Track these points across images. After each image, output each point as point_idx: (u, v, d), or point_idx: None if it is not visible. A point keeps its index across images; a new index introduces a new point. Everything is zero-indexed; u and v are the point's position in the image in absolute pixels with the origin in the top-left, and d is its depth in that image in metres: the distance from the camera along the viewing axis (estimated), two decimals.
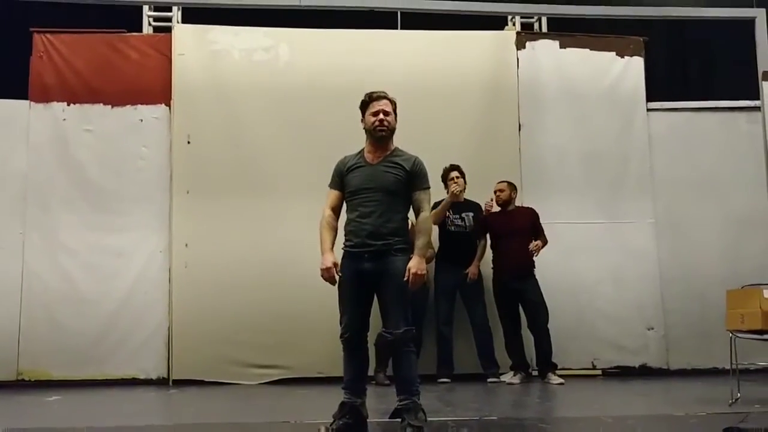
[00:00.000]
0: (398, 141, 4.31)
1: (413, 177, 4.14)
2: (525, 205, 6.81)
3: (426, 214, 4.15)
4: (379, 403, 4.89)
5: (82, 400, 5.82)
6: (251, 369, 6.55)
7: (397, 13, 7.16)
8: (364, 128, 4.25)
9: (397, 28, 7.26)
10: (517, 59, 7.20)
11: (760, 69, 6.53)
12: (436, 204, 6.24)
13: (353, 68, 6.85)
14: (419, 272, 4.00)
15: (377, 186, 4.12)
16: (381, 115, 4.16)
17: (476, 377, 6.56)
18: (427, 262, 6.40)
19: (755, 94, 6.65)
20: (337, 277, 4.13)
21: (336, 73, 6.86)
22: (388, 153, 4.20)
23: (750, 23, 6.64)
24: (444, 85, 6.99)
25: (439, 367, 6.60)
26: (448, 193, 6.55)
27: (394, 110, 4.23)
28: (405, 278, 4.00)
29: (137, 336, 6.57)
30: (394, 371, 4.30)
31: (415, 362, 4.18)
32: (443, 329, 6.61)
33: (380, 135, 4.17)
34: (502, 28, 7.41)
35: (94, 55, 6.88)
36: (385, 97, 4.23)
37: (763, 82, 6.47)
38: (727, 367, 5.28)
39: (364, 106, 4.24)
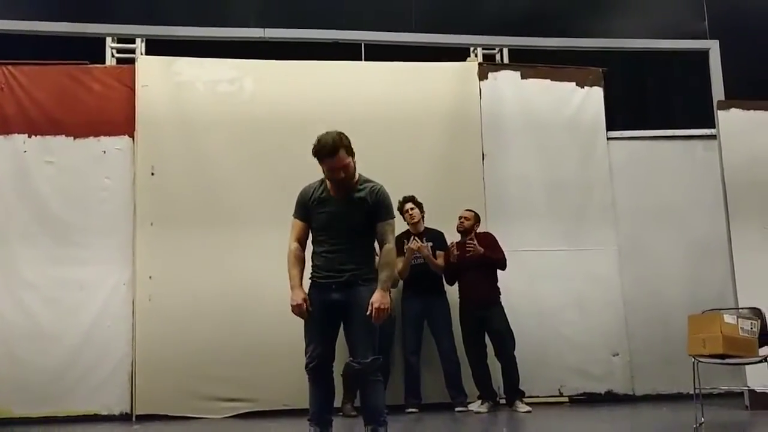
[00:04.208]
0: (363, 172, 4.31)
1: (375, 208, 4.12)
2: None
3: (389, 246, 4.10)
4: None
5: None
6: (216, 403, 6.46)
7: (361, 44, 7.23)
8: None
9: (361, 60, 7.33)
10: (480, 90, 7.31)
11: (715, 98, 6.69)
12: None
13: (318, 99, 6.89)
14: (382, 306, 3.98)
15: (342, 218, 4.10)
16: (334, 174, 4.05)
17: (444, 406, 6.54)
18: (393, 285, 6.45)
19: (711, 123, 6.81)
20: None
21: (301, 104, 6.88)
22: (353, 185, 4.18)
23: (704, 54, 6.81)
24: (408, 116, 7.05)
25: (407, 396, 6.57)
26: (406, 223, 6.66)
27: (348, 152, 4.07)
28: (368, 312, 3.99)
29: (100, 371, 6.44)
30: (361, 401, 4.28)
31: (382, 392, 4.16)
32: (411, 359, 6.60)
33: (339, 184, 4.10)
34: (464, 60, 7.52)
35: (56, 86, 6.82)
36: (333, 152, 4.01)
37: (718, 111, 6.64)
38: (692, 391, 5.34)
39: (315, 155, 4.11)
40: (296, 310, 4.09)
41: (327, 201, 4.15)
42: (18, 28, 6.20)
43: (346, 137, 4.09)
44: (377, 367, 4.07)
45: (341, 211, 4.12)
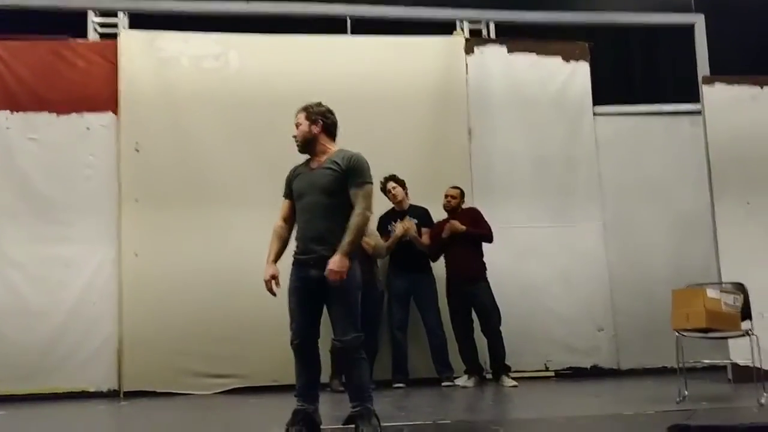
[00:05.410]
0: (348, 147, 4.31)
1: (348, 174, 4.10)
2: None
3: (358, 210, 4.03)
4: (333, 409, 4.89)
5: (30, 414, 5.68)
6: (204, 379, 6.48)
7: (346, 18, 7.18)
8: None
9: (347, 34, 7.28)
10: (466, 64, 7.27)
11: (700, 73, 6.69)
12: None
13: (303, 74, 6.81)
14: (337, 269, 3.92)
15: (316, 189, 4.12)
16: (294, 131, 4.26)
17: (431, 381, 6.59)
18: (378, 256, 6.45)
19: (697, 98, 6.81)
20: (276, 290, 4.15)
21: (286, 79, 6.82)
22: (328, 156, 4.20)
23: (690, 29, 6.81)
24: (394, 91, 7.01)
25: (394, 372, 6.62)
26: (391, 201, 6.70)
27: (308, 117, 4.23)
28: (324, 273, 3.95)
29: (86, 348, 6.43)
30: (345, 378, 4.31)
31: (366, 368, 4.16)
32: (397, 334, 6.63)
33: (297, 147, 4.26)
34: (450, 34, 7.48)
35: (39, 62, 6.72)
36: (299, 112, 4.27)
37: (703, 86, 6.64)
38: (676, 365, 5.40)
39: None
40: (265, 286, 4.15)
41: (303, 173, 4.24)
42: None
43: (322, 108, 4.26)
44: (359, 345, 4.06)
45: (313, 176, 4.16)
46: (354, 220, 4.02)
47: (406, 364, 6.64)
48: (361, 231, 4.09)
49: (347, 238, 3.98)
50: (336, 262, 3.93)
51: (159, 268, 6.53)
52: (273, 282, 4.15)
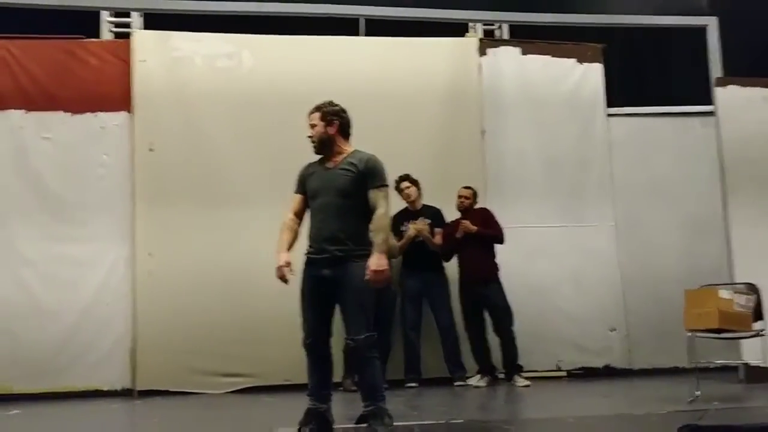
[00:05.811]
0: (362, 148, 4.32)
1: (366, 176, 4.12)
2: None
3: (381, 211, 4.08)
4: (346, 409, 4.90)
5: (44, 413, 5.72)
6: (217, 378, 6.50)
7: (359, 19, 7.19)
8: None
9: (359, 35, 7.29)
10: (480, 66, 7.27)
11: (713, 75, 6.68)
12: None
13: (316, 75, 6.82)
14: (378, 269, 3.96)
15: (332, 189, 4.14)
16: (309, 132, 4.27)
17: (444, 381, 6.60)
18: (391, 256, 6.47)
19: (709, 100, 6.79)
20: (289, 276, 4.14)
21: (299, 79, 6.83)
22: (344, 156, 4.22)
23: (702, 31, 6.79)
24: (407, 92, 7.02)
25: (407, 371, 6.63)
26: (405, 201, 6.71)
27: (324, 117, 4.23)
28: (367, 278, 3.98)
29: (100, 347, 6.46)
30: (358, 378, 4.32)
31: (378, 368, 4.18)
32: (410, 334, 6.64)
33: (313, 148, 4.26)
34: (464, 35, 7.48)
35: (52, 61, 6.75)
36: (313, 112, 4.28)
37: (716, 88, 6.63)
38: (688, 366, 5.39)
39: None
40: (277, 272, 4.14)
41: (318, 171, 4.25)
42: (13, 2, 6.15)
43: (336, 108, 4.27)
44: (372, 344, 4.07)
45: (329, 176, 4.18)
46: (380, 221, 4.07)
47: (418, 364, 6.65)
48: (388, 230, 4.17)
49: (379, 238, 4.03)
50: (375, 263, 3.97)
51: (172, 268, 6.54)
52: (287, 268, 4.13)
